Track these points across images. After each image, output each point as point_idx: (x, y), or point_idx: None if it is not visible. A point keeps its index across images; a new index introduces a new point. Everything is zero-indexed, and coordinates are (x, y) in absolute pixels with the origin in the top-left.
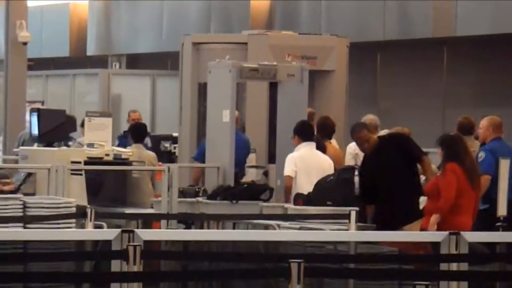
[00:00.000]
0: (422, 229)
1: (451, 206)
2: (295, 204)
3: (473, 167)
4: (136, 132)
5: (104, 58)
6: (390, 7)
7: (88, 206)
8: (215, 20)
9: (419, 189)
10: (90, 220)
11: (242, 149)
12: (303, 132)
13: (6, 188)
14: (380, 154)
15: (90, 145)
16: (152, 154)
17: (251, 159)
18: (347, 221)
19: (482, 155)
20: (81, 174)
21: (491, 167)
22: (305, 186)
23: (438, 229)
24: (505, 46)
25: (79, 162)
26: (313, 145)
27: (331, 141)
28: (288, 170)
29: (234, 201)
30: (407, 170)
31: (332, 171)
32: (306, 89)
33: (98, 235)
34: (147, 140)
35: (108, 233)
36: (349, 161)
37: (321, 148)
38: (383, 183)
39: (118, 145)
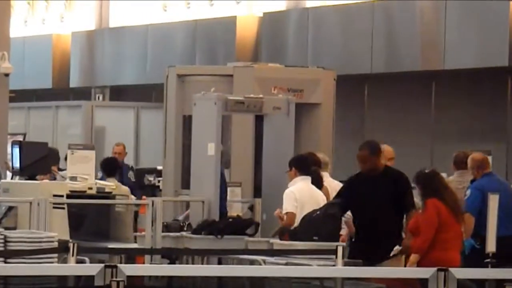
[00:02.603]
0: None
1: (437, 242)
2: (281, 238)
3: (454, 199)
4: (108, 166)
5: (88, 90)
6: (378, 40)
7: (71, 240)
8: (200, 51)
9: (400, 232)
10: (73, 255)
11: None
12: (302, 166)
13: None
14: (378, 181)
15: (73, 178)
16: (125, 188)
17: (236, 192)
18: (333, 256)
19: (468, 193)
20: (63, 208)
21: (471, 206)
22: None
23: (426, 266)
24: (494, 80)
25: (62, 196)
26: (309, 179)
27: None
28: (290, 207)
29: (219, 236)
30: (395, 210)
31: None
32: (293, 122)
33: (81, 270)
34: (131, 174)
35: (90, 268)
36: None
37: (319, 180)
38: (368, 208)
39: (101, 178)
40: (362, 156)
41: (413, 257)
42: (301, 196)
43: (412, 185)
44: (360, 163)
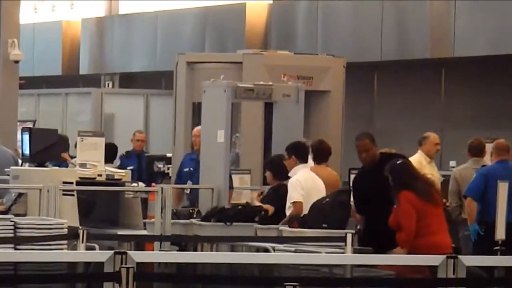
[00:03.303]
0: None
1: (421, 229)
2: (290, 226)
3: (425, 187)
4: (107, 153)
5: (97, 77)
6: (388, 27)
7: (80, 227)
8: (210, 39)
9: None
10: (82, 242)
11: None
12: (302, 154)
13: None
14: (378, 171)
15: (82, 165)
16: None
17: (246, 180)
18: (343, 244)
19: (473, 176)
20: (73, 195)
21: (473, 190)
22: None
23: (417, 253)
24: (504, 67)
25: (71, 183)
26: (308, 167)
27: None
28: (297, 196)
29: (228, 223)
30: None
31: (325, 192)
32: (302, 110)
33: (90, 257)
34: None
35: (100, 255)
36: None
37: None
38: (376, 201)
39: (120, 165)
40: (364, 145)
41: (400, 251)
42: (306, 184)
43: None
44: (361, 152)
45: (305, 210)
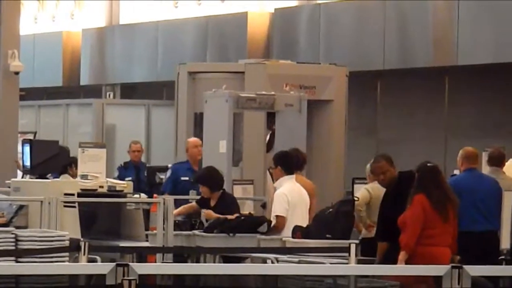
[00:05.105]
0: None
1: (423, 237)
2: (293, 236)
3: (443, 199)
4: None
5: (98, 87)
6: (390, 35)
7: (82, 239)
8: (212, 48)
9: None
10: (84, 254)
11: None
12: (288, 165)
13: None
14: (400, 191)
15: (84, 176)
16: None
17: (249, 190)
18: (346, 254)
19: None
20: (74, 207)
21: None
22: (295, 221)
23: (413, 261)
24: (508, 75)
25: (73, 194)
26: (294, 178)
27: (302, 172)
28: (281, 210)
29: (231, 234)
30: None
31: (309, 204)
32: (305, 119)
33: (92, 269)
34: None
35: (102, 267)
36: None
37: None
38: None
39: (118, 176)
40: (381, 167)
41: (402, 255)
42: (292, 198)
43: None
44: (379, 174)
45: (289, 224)
